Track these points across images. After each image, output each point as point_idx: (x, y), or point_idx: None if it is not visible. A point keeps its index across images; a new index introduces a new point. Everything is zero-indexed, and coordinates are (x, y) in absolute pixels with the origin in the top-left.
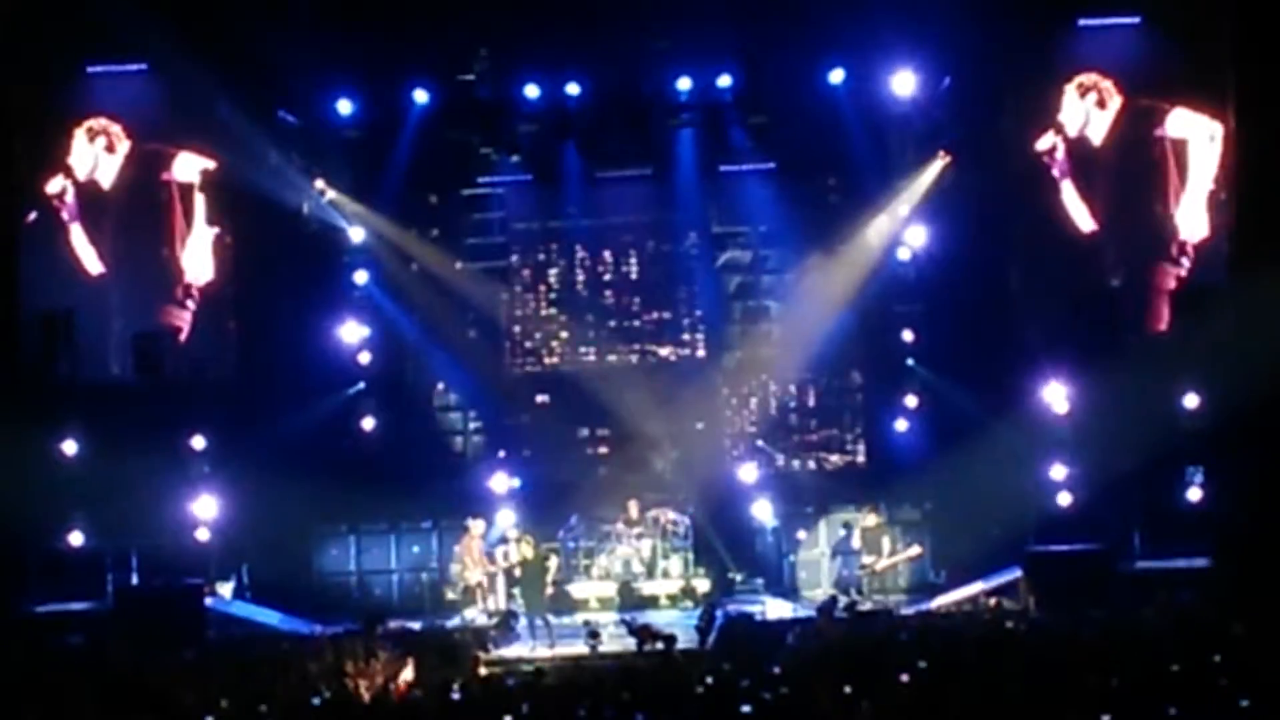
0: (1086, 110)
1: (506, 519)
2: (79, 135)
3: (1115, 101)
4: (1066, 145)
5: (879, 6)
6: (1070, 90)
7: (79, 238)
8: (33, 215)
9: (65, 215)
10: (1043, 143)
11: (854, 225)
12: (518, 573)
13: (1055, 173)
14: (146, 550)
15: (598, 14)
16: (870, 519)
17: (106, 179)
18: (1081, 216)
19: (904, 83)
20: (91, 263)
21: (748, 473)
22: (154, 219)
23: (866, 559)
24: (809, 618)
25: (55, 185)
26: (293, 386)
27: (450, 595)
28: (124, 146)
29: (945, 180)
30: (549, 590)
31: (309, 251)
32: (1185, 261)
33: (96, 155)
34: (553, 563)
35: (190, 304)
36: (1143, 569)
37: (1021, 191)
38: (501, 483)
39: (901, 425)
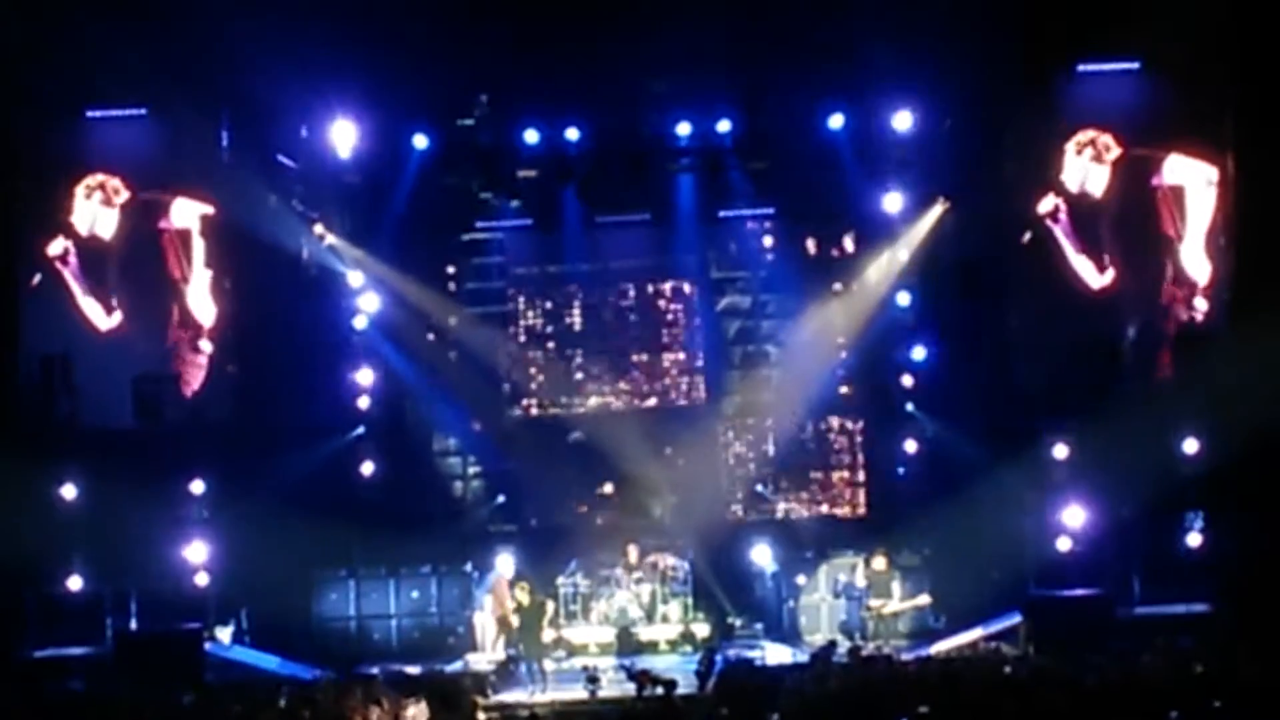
0: (1085, 167)
1: (506, 564)
2: (79, 193)
3: (1113, 154)
4: (1068, 205)
5: (879, 51)
6: (1069, 149)
7: (84, 299)
8: (37, 278)
9: (69, 275)
10: (1044, 205)
11: (853, 270)
12: (514, 620)
13: (1059, 233)
14: (145, 594)
15: (597, 59)
16: (879, 561)
17: (107, 231)
18: (1087, 272)
19: (904, 126)
20: (99, 319)
21: (747, 518)
22: (154, 267)
23: (874, 602)
24: (809, 663)
25: (57, 247)
26: (292, 431)
27: (477, 635)
28: (122, 198)
29: (945, 225)
30: (545, 635)
31: (308, 296)
32: (1185, 307)
33: (95, 211)
34: (549, 608)
35: (202, 351)
36: (1142, 614)
37: (1021, 239)
38: (500, 527)
39: (901, 470)
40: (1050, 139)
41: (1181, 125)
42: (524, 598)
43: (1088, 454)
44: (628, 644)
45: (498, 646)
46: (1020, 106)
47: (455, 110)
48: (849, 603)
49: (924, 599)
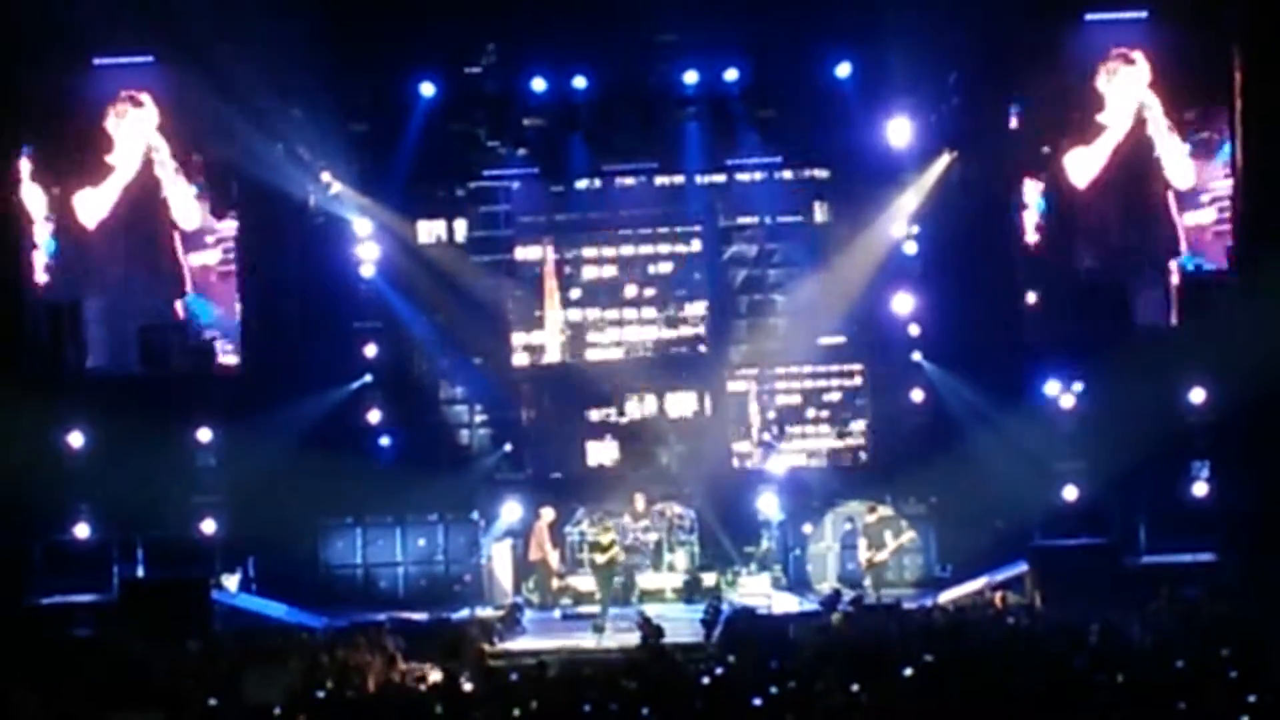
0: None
1: (513, 511)
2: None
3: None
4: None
5: (885, 1)
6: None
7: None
8: None
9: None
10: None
11: (860, 220)
12: (555, 564)
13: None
14: (152, 542)
15: (604, 7)
16: (872, 514)
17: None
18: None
19: (910, 76)
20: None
21: (754, 466)
22: (159, 215)
23: (865, 553)
24: (814, 612)
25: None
26: (299, 379)
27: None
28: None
29: (952, 175)
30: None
31: (315, 243)
32: (1191, 256)
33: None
34: (621, 555)
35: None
36: (1148, 564)
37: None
38: (507, 476)
39: (907, 419)
40: (1058, 88)
41: (1189, 73)
42: (605, 538)
43: (1094, 403)
44: (632, 592)
45: (524, 590)
46: (1028, 56)
47: (462, 58)
48: (851, 551)
49: (907, 535)
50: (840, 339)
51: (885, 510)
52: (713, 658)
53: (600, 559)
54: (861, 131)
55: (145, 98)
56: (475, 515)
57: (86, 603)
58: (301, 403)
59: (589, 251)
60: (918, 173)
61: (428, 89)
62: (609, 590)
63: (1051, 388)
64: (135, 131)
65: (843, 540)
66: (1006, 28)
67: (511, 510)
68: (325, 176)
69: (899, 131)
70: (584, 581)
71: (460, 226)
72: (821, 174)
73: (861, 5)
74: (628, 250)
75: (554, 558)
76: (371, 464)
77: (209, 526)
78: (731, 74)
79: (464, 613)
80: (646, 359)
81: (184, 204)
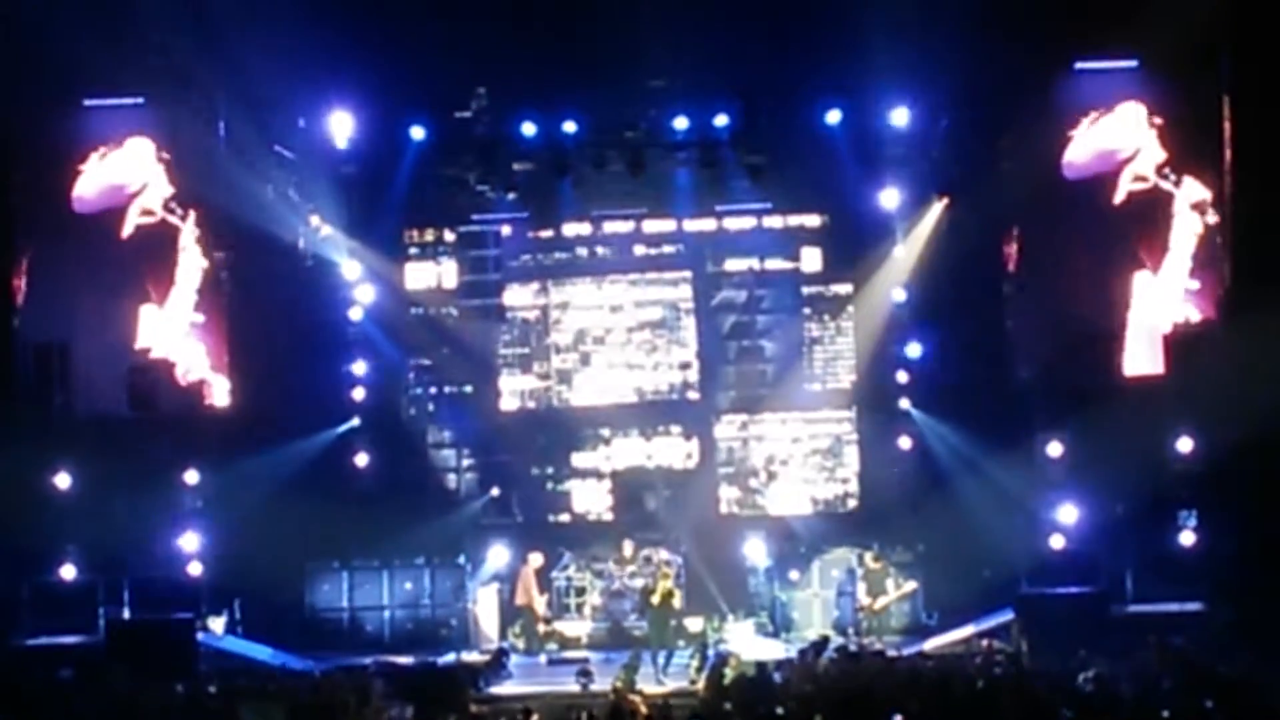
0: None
1: (500, 556)
2: (85, 163)
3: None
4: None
5: (876, 48)
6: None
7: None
8: None
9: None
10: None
11: (849, 266)
12: (540, 610)
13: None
14: (139, 584)
15: (595, 52)
16: (875, 561)
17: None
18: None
19: (901, 123)
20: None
21: (741, 513)
22: (149, 256)
23: (865, 599)
24: (800, 658)
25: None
26: (287, 421)
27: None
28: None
29: (942, 223)
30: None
31: (305, 286)
32: (1179, 305)
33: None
34: (678, 597)
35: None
36: (1136, 612)
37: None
38: (494, 520)
39: (895, 466)
40: (1048, 136)
41: (1178, 124)
42: (666, 585)
43: (1082, 451)
44: (620, 638)
45: (510, 635)
46: (1018, 104)
47: (453, 102)
48: (842, 599)
49: (910, 585)
50: (829, 386)
51: (883, 558)
52: (700, 703)
53: (655, 600)
54: (851, 178)
55: (136, 139)
56: (462, 559)
57: (72, 644)
58: (289, 445)
59: (578, 296)
60: (908, 220)
61: (418, 132)
62: (663, 634)
63: (1040, 435)
64: (125, 172)
65: (835, 587)
66: (998, 75)
67: (498, 555)
68: (315, 219)
69: (889, 179)
70: (570, 626)
71: (449, 270)
72: (811, 220)
73: (852, 52)
74: (617, 295)
75: (540, 603)
76: (358, 507)
77: (195, 568)
78: (721, 120)
79: (450, 657)
80: (635, 404)
81: (173, 245)
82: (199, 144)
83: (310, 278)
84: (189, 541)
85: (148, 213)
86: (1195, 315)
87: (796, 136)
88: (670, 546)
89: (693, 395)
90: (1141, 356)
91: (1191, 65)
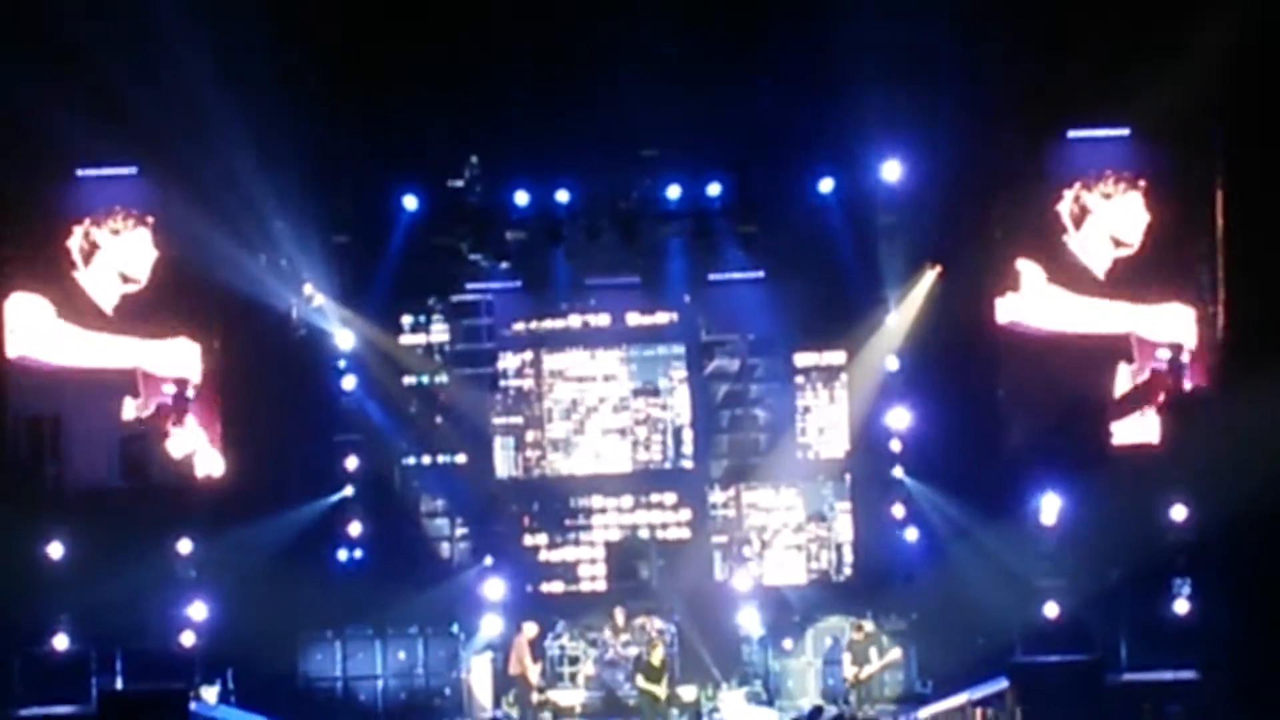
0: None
1: (493, 625)
2: (76, 233)
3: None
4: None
5: (869, 117)
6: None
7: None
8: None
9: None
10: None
11: (843, 335)
12: (534, 679)
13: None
14: (131, 654)
15: (588, 122)
16: (857, 631)
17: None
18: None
19: (894, 192)
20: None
21: (736, 581)
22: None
23: (849, 669)
24: None
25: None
26: (279, 491)
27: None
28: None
29: (936, 291)
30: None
31: (297, 356)
32: (1174, 373)
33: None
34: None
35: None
36: (1130, 680)
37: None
38: (488, 589)
39: (888, 535)
40: (1040, 204)
41: (1171, 193)
42: (658, 658)
43: (1075, 520)
44: (614, 707)
45: (503, 705)
46: (1010, 172)
47: (445, 171)
48: (832, 667)
49: (894, 654)
50: (822, 454)
51: (870, 627)
52: None
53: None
54: (844, 246)
55: (128, 209)
56: (455, 628)
57: (65, 715)
58: (282, 514)
59: (571, 364)
60: (900, 288)
61: (410, 201)
62: (656, 705)
63: (1033, 503)
64: (117, 242)
65: (825, 656)
66: (989, 143)
67: (492, 624)
68: (307, 288)
69: (882, 246)
70: (564, 695)
71: (442, 338)
72: (805, 289)
73: (845, 121)
74: (610, 363)
75: (534, 672)
76: (351, 576)
77: (188, 638)
78: (714, 189)
79: None
80: (628, 473)
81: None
82: (191, 213)
83: (303, 347)
84: (182, 611)
85: (131, 280)
86: (1188, 384)
87: (789, 205)
88: (663, 615)
89: (686, 464)
90: (1134, 424)
91: (1184, 134)
